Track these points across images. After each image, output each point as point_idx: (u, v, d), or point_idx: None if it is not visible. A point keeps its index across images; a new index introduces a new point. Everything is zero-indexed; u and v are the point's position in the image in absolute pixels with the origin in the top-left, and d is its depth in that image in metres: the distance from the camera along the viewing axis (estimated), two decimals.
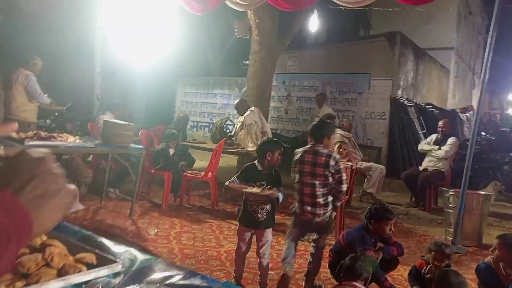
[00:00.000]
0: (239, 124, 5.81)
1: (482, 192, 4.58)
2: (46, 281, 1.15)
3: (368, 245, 2.81)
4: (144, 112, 10.19)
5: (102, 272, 1.28)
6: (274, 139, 3.27)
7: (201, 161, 6.58)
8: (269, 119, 9.96)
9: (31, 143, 3.66)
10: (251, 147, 5.68)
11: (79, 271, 1.23)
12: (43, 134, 3.92)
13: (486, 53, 4.22)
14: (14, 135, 3.85)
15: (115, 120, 4.67)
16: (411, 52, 9.74)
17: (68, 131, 6.03)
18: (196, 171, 5.59)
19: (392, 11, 11.22)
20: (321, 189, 3.00)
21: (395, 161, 8.43)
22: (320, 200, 3.01)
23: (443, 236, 4.54)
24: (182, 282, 1.31)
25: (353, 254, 2.55)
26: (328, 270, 3.19)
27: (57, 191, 0.54)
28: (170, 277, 1.35)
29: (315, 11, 7.31)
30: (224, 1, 5.11)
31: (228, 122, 7.87)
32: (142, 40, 6.15)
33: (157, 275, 1.35)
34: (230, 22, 9.80)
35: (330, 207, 3.08)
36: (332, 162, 2.98)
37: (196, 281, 1.33)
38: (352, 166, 4.90)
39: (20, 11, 8.01)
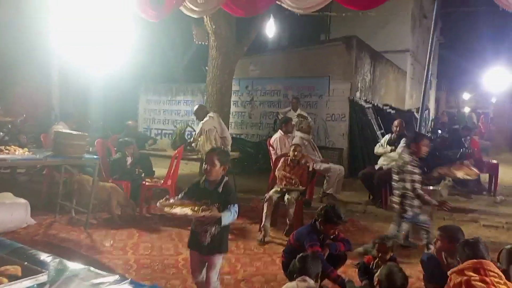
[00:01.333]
0: (199, 129, 5.81)
1: (430, 188, 4.79)
2: None
3: (314, 241, 2.90)
4: (105, 121, 9.96)
5: (26, 283, 1.27)
6: (219, 148, 2.96)
7: (164, 169, 6.51)
8: (232, 124, 10.02)
9: None
10: None
11: (0, 284, 1.21)
12: None
13: (428, 55, 4.43)
14: None
15: (67, 130, 4.55)
16: (367, 55, 10.07)
17: (22, 143, 5.83)
18: (156, 179, 5.52)
19: (350, 16, 11.58)
20: None
21: (355, 161, 8.67)
22: None
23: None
24: (110, 287, 1.32)
25: (302, 254, 2.61)
26: (282, 271, 3.25)
27: None
28: (99, 284, 1.35)
29: (271, 16, 7.44)
30: (178, 7, 5.11)
31: (189, 128, 7.84)
32: (101, 47, 6.04)
33: (85, 283, 1.34)
34: (192, 28, 9.79)
35: None
36: None
37: (125, 286, 1.33)
38: (309, 167, 5.00)
39: None
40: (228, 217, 2.50)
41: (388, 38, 13.77)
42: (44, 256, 1.53)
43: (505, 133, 15.18)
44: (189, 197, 2.57)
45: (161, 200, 2.49)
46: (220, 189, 2.60)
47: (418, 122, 4.48)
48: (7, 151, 3.84)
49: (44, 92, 9.43)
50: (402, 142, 6.17)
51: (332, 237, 3.11)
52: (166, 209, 2.41)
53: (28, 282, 1.26)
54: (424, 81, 4.45)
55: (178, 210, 2.41)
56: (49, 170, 5.41)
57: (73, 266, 1.45)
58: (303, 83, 9.55)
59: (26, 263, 1.38)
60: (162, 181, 5.23)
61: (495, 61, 14.89)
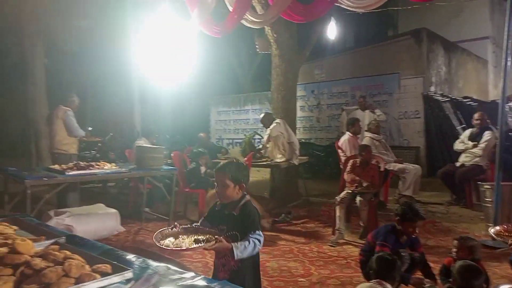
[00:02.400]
0: (266, 136, 5.93)
1: None
2: None
3: (386, 242, 2.81)
4: (180, 135, 10.59)
5: (114, 279, 1.43)
6: (231, 163, 2.22)
7: None
8: (301, 129, 10.04)
9: (71, 173, 3.99)
10: (279, 158, 5.78)
11: (94, 279, 1.39)
12: (82, 164, 4.26)
13: (505, 39, 4.07)
14: (57, 167, 4.22)
15: (147, 145, 4.96)
16: (440, 47, 9.47)
17: (111, 159, 6.45)
18: None
19: (418, 8, 10.99)
20: None
21: (434, 160, 8.16)
22: None
23: (483, 232, 4.35)
24: (185, 283, 1.44)
25: (380, 254, 2.53)
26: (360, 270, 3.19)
27: None
28: (176, 279, 1.48)
29: (332, 18, 7.36)
30: (239, 21, 5.31)
31: (257, 136, 8.03)
32: (173, 67, 6.52)
33: (164, 279, 1.48)
34: (254, 39, 10.06)
35: None
36: None
37: (201, 282, 1.45)
38: (380, 168, 4.84)
39: (62, 52, 8.73)
40: (245, 248, 1.99)
41: (464, 26, 12.78)
42: (130, 257, 1.70)
43: None
44: (209, 223, 2.19)
45: (160, 230, 1.99)
46: (236, 212, 2.13)
47: (499, 115, 4.11)
48: (97, 167, 4.30)
49: (128, 111, 10.34)
50: (486, 135, 5.69)
51: (412, 237, 2.99)
52: (156, 243, 1.86)
53: (116, 278, 1.43)
54: (503, 68, 4.09)
55: (169, 243, 1.88)
56: (134, 182, 5.92)
57: (154, 264, 1.61)
58: (371, 82, 9.27)
59: (114, 262, 1.55)
60: None
61: None
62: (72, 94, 5.47)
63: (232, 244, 1.98)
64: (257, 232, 2.06)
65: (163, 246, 1.85)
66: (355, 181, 4.55)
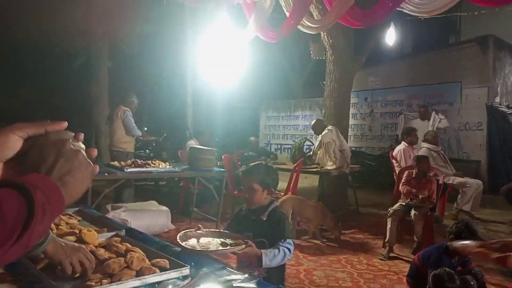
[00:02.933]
0: (317, 143, 5.85)
1: None
2: (126, 279, 1.37)
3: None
4: (230, 138, 10.77)
5: (172, 274, 1.47)
6: (260, 166, 2.17)
7: (284, 183, 6.72)
8: (352, 137, 9.81)
9: (130, 170, 4.19)
10: (330, 166, 5.68)
11: (153, 273, 1.44)
12: (139, 162, 4.45)
13: None
14: (116, 163, 4.45)
15: (200, 146, 5.08)
16: (508, 55, 8.84)
17: (164, 158, 6.70)
18: (277, 192, 5.73)
19: (484, 14, 10.36)
20: None
21: (497, 175, 7.63)
22: None
23: None
24: (240, 284, 1.45)
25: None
26: None
27: (79, 166, 0.63)
28: (231, 280, 1.49)
29: (392, 24, 7.13)
30: (296, 26, 5.31)
31: (307, 142, 7.95)
32: (225, 70, 6.67)
33: (220, 279, 1.50)
34: (309, 45, 10.01)
35: None
36: None
37: (252, 285, 1.45)
38: (438, 180, 4.59)
39: (124, 55, 9.25)
40: (274, 257, 1.88)
41: None
42: (186, 254, 1.74)
43: None
44: (233, 229, 2.04)
45: (184, 231, 1.84)
46: (264, 217, 2.03)
47: None
48: (153, 165, 4.48)
49: (181, 113, 10.71)
50: None
51: (466, 259, 2.77)
52: (180, 242, 1.71)
53: (175, 273, 1.47)
54: None
55: (195, 244, 1.74)
56: (185, 182, 6.09)
57: (210, 264, 1.63)
58: (430, 91, 8.86)
59: (172, 258, 1.59)
60: (283, 193, 5.41)
61: None
62: (132, 95, 5.75)
63: (262, 251, 1.86)
64: (288, 240, 1.95)
65: (188, 247, 1.71)
66: (410, 193, 4.35)
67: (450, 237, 2.74)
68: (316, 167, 5.82)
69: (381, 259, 4.11)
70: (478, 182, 5.80)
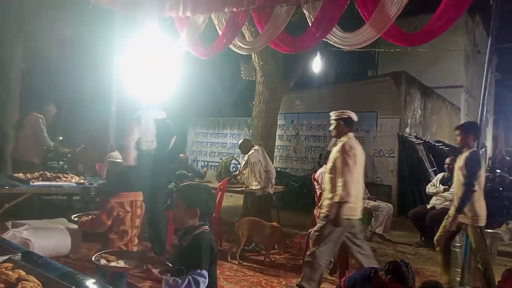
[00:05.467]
0: (244, 163, 5.87)
1: (489, 231, 4.42)
2: None
3: None
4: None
5: None
6: (192, 184, 2.27)
7: None
8: (277, 158, 10.04)
9: (36, 183, 3.78)
10: (255, 186, 5.71)
11: None
12: (48, 174, 4.05)
13: (482, 91, 4.25)
14: (21, 175, 4.00)
15: (119, 160, 4.79)
16: (417, 90, 9.83)
17: (79, 172, 6.20)
18: None
19: (399, 52, 11.45)
20: None
21: (405, 199, 8.29)
22: None
23: (450, 277, 4.36)
24: None
25: None
26: None
27: None
28: None
29: (318, 53, 7.54)
30: (228, 45, 5.34)
31: (234, 161, 7.95)
32: (153, 83, 6.44)
33: None
34: (240, 64, 10.17)
35: None
36: None
37: None
38: None
39: (41, 58, 8.50)
40: (176, 285, 1.79)
41: (440, 74, 13.42)
42: (90, 282, 1.57)
43: None
44: (173, 254, 2.12)
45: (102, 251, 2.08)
46: (185, 242, 1.96)
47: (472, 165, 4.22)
48: (64, 179, 4.10)
49: (103, 124, 10.07)
50: None
51: None
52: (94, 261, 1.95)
53: None
54: (479, 118, 4.25)
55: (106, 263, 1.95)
56: (102, 198, 5.67)
57: None
58: None
59: (73, 287, 1.42)
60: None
61: None
62: (50, 103, 5.34)
63: (163, 277, 1.80)
64: (199, 271, 1.82)
65: (99, 263, 1.90)
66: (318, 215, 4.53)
67: (387, 275, 2.70)
68: (241, 187, 5.82)
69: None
70: (389, 205, 6.24)
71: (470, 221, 3.77)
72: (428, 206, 5.98)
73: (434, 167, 8.39)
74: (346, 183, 3.46)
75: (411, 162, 8.50)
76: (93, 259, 1.97)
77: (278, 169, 9.79)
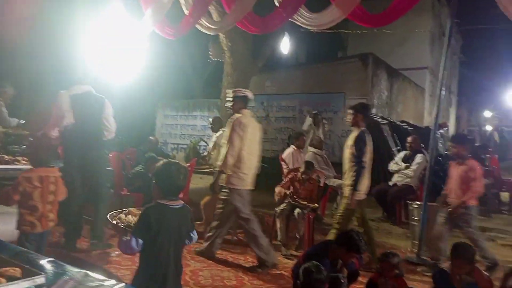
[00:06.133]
0: (212, 143, 5.87)
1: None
2: None
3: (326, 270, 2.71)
4: (122, 135, 10.19)
5: (23, 284, 1.31)
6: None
7: None
8: None
9: None
10: None
11: None
12: (6, 158, 3.92)
13: (441, 72, 4.42)
14: None
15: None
16: (384, 72, 10.04)
17: None
18: None
19: (367, 34, 11.62)
20: None
21: (371, 178, 8.54)
22: None
23: (409, 249, 4.61)
24: None
25: (306, 266, 2.54)
26: None
27: None
28: (96, 287, 1.39)
29: (286, 33, 7.54)
30: (194, 25, 5.25)
31: (202, 142, 7.94)
32: (119, 63, 6.27)
33: (81, 286, 1.38)
34: (209, 45, 10.03)
35: None
36: None
37: None
38: (319, 182, 4.98)
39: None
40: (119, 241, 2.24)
41: (406, 55, 13.71)
42: (45, 260, 1.57)
43: None
44: None
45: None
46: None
47: (431, 140, 4.43)
48: (25, 162, 3.99)
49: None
50: (418, 158, 6.08)
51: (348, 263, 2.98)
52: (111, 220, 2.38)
53: (26, 283, 1.31)
54: (437, 97, 4.43)
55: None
56: None
57: (71, 270, 1.49)
58: (319, 99, 9.57)
59: (27, 266, 1.42)
60: None
61: None
62: (5, 84, 5.10)
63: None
64: (130, 235, 2.11)
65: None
66: (281, 194, 4.66)
67: (341, 245, 2.84)
68: (209, 168, 5.83)
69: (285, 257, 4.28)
70: None
71: (349, 194, 4.02)
72: (391, 183, 6.22)
73: (398, 146, 8.67)
74: (228, 155, 3.82)
75: (377, 142, 8.70)
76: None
77: None
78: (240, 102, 4.04)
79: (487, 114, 26.22)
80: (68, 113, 4.05)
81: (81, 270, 1.50)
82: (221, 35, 6.54)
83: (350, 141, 4.11)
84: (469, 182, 4.01)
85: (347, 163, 4.12)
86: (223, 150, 3.95)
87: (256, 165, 4.14)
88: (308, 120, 7.86)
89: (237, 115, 3.97)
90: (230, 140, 3.87)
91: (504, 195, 7.69)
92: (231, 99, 4.08)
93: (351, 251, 2.81)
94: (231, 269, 3.91)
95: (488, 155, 8.41)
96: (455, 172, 4.20)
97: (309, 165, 4.92)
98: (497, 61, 18.28)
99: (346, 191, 4.05)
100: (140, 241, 2.06)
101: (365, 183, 4.14)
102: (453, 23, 4.72)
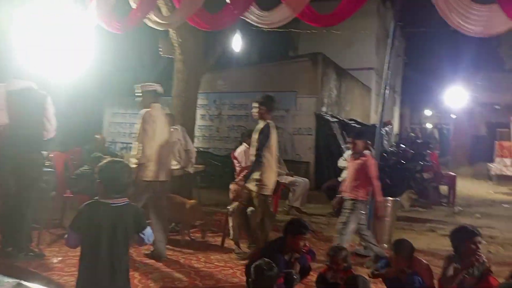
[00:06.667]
0: None
1: (390, 198, 4.90)
2: None
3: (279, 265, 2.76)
4: (65, 134, 9.65)
5: None
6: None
7: None
8: (200, 138, 9.97)
9: None
10: (174, 165, 5.60)
11: None
12: None
13: (384, 72, 4.62)
14: None
15: None
16: (333, 71, 10.34)
17: None
18: None
19: (317, 34, 11.90)
20: None
21: (321, 174, 8.78)
22: None
23: (357, 242, 4.78)
24: None
25: (257, 263, 2.55)
26: None
27: None
28: None
29: (238, 31, 7.53)
30: (142, 19, 5.08)
31: None
32: (64, 59, 5.91)
33: None
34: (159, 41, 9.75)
35: None
36: None
37: None
38: None
39: None
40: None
41: (354, 56, 14.21)
42: None
43: (464, 148, 15.87)
44: None
45: None
46: None
47: (376, 137, 4.63)
48: None
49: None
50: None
51: (300, 252, 3.07)
52: None
53: None
54: (382, 97, 4.63)
55: None
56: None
57: (2, 279, 1.38)
58: None
59: None
60: None
61: (453, 80, 15.65)
62: None
63: None
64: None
65: None
66: (236, 191, 4.66)
67: (288, 234, 3.00)
68: None
69: (238, 258, 4.24)
70: (305, 180, 6.58)
71: (257, 189, 4.09)
72: (340, 179, 6.41)
73: (347, 143, 8.98)
74: (143, 147, 3.90)
75: (327, 139, 8.99)
76: None
77: (201, 149, 9.74)
78: (149, 97, 4.14)
79: (428, 112, 27.95)
80: (2, 111, 3.74)
81: (14, 280, 1.38)
82: (171, 31, 6.38)
83: (255, 134, 4.15)
84: (362, 178, 4.08)
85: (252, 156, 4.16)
86: (135, 144, 4.01)
87: (167, 158, 4.27)
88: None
89: (147, 109, 4.04)
90: (142, 133, 3.93)
91: (443, 188, 8.22)
92: (140, 94, 4.17)
93: (297, 235, 2.95)
94: (183, 269, 3.83)
95: (428, 151, 8.95)
96: (351, 167, 4.30)
97: None
98: (437, 62, 19.49)
99: (251, 186, 4.07)
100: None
101: (271, 177, 4.13)
102: (396, 26, 4.96)
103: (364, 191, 4.12)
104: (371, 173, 4.08)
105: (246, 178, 4.11)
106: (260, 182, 4.03)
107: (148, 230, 2.28)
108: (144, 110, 4.06)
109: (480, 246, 2.77)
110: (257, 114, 4.24)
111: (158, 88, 4.28)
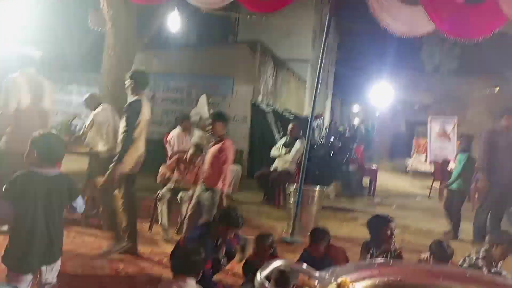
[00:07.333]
0: (89, 121, 5.33)
1: (316, 188, 5.10)
2: None
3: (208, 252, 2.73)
4: None
5: None
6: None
7: None
8: None
9: None
10: (101, 147, 5.27)
11: None
12: None
13: (318, 67, 4.75)
14: None
15: None
16: (271, 60, 10.42)
17: None
18: None
19: (256, 21, 11.90)
20: None
21: (255, 163, 8.89)
22: None
23: (284, 230, 4.93)
24: None
25: (185, 250, 2.50)
26: None
27: None
28: None
29: (176, 9, 7.25)
30: None
31: (77, 120, 7.21)
32: None
33: None
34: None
35: None
36: None
37: None
38: None
39: None
40: None
41: (291, 47, 14.46)
42: None
43: (386, 143, 17.07)
44: None
45: None
46: None
47: (308, 129, 4.76)
48: None
49: None
50: (296, 144, 6.50)
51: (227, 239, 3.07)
52: None
53: None
54: (314, 90, 4.76)
55: None
56: None
57: None
58: (208, 82, 9.48)
59: None
60: None
61: (379, 78, 16.65)
62: None
63: None
64: None
65: None
66: (165, 174, 4.56)
67: (219, 222, 3.03)
68: (85, 148, 5.31)
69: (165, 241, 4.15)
70: (238, 167, 6.60)
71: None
72: (272, 169, 6.54)
73: (281, 133, 9.16)
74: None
75: (262, 129, 9.10)
76: None
77: None
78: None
79: (356, 108, 29.59)
80: None
81: None
82: (102, 1, 5.94)
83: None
84: (218, 163, 3.83)
85: None
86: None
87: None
88: (203, 98, 7.75)
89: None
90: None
91: (365, 180, 8.77)
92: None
93: (230, 226, 2.96)
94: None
95: (355, 145, 9.46)
96: (210, 151, 4.03)
97: (199, 146, 4.86)
98: (366, 60, 20.58)
99: None
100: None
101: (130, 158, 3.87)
102: (330, 21, 5.10)
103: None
104: (225, 159, 3.87)
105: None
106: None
107: (79, 200, 2.39)
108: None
109: (394, 232, 3.01)
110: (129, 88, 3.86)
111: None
